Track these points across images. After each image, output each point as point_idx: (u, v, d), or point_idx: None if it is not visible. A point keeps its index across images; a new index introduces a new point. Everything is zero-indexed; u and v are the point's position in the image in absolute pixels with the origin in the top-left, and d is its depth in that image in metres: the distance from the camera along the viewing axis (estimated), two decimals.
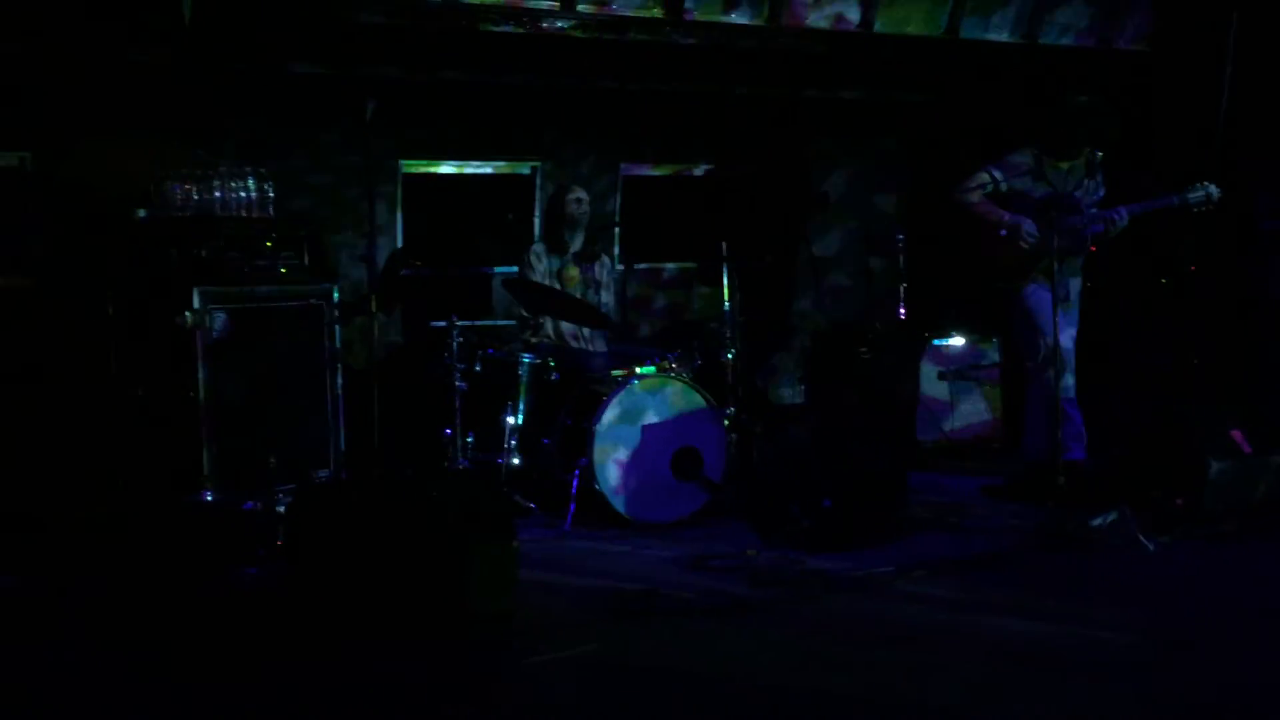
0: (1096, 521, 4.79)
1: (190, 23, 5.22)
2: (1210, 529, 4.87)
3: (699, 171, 7.75)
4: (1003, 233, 5.57)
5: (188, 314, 4.93)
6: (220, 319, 5.02)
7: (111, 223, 5.39)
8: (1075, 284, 5.67)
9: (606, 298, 6.34)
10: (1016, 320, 5.76)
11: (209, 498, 4.94)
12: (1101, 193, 5.66)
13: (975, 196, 5.64)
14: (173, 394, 5.01)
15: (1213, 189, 5.45)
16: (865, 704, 3.32)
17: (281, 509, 4.81)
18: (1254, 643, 3.70)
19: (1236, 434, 5.06)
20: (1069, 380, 5.54)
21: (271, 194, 5.44)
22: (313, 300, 5.33)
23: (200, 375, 4.95)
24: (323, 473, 5.27)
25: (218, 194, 5.32)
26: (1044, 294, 5.54)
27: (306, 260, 5.42)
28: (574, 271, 6.17)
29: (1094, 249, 5.90)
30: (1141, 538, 4.70)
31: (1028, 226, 5.53)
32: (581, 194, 6.26)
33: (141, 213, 5.29)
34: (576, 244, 6.24)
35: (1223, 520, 4.93)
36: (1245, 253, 6.73)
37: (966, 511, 5.49)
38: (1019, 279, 5.65)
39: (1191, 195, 5.48)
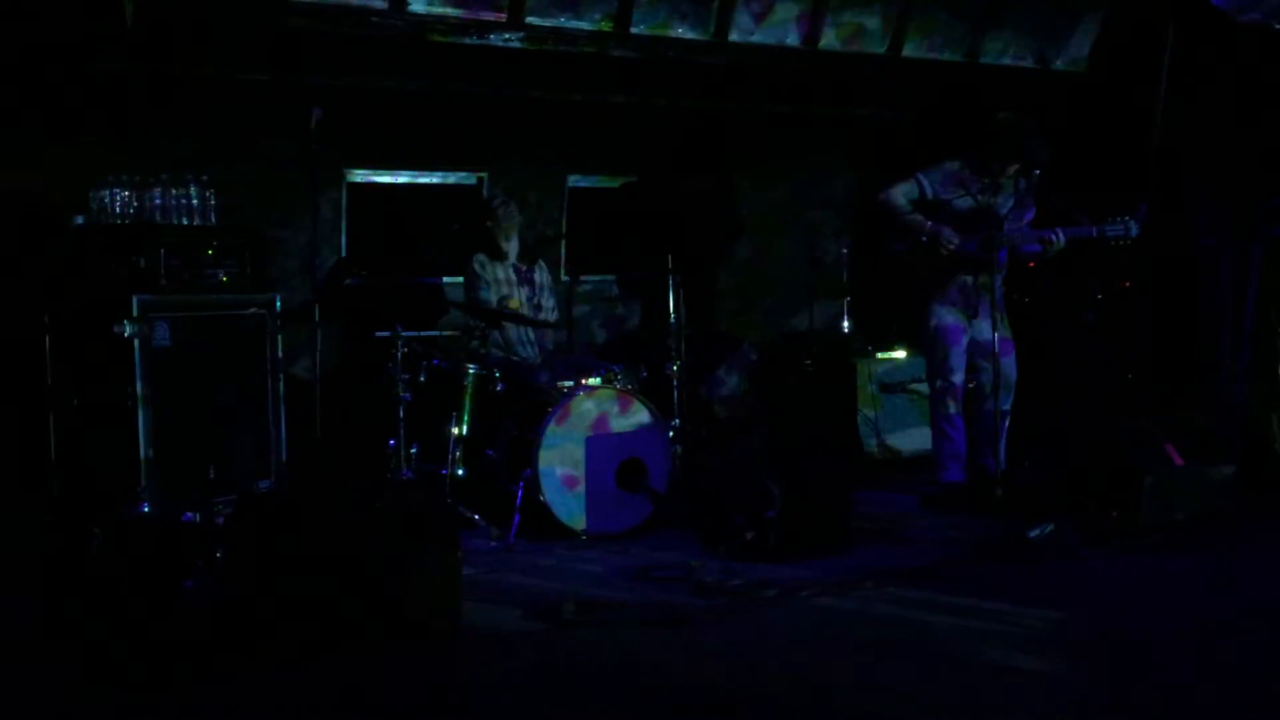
0: (1034, 533, 4.87)
1: (132, 29, 5.15)
2: (1144, 540, 4.96)
3: (646, 183, 7.77)
4: (923, 239, 5.67)
5: (126, 323, 4.86)
6: (160, 328, 4.95)
7: (48, 229, 5.29)
8: (999, 297, 5.73)
9: (549, 300, 6.34)
10: (923, 340, 5.89)
11: (146, 509, 4.86)
12: (1032, 213, 5.77)
13: (902, 201, 5.74)
14: (110, 404, 4.93)
15: (1133, 226, 5.55)
16: (806, 713, 3.34)
17: (221, 520, 4.75)
18: (1188, 652, 3.77)
19: (1169, 447, 5.18)
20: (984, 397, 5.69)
21: (213, 202, 5.38)
22: (255, 309, 5.27)
23: (138, 385, 4.88)
24: (264, 484, 5.21)
25: (158, 201, 5.25)
26: (950, 318, 5.71)
27: (249, 269, 5.36)
28: (516, 303, 6.13)
29: (1031, 265, 6.01)
30: (1078, 549, 4.79)
31: (948, 233, 5.64)
32: (506, 198, 6.32)
33: (79, 219, 5.21)
34: (513, 250, 6.23)
35: (1156, 532, 5.03)
36: (1182, 269, 6.87)
37: (908, 523, 5.55)
38: (932, 291, 5.74)
39: (1110, 230, 5.61)
